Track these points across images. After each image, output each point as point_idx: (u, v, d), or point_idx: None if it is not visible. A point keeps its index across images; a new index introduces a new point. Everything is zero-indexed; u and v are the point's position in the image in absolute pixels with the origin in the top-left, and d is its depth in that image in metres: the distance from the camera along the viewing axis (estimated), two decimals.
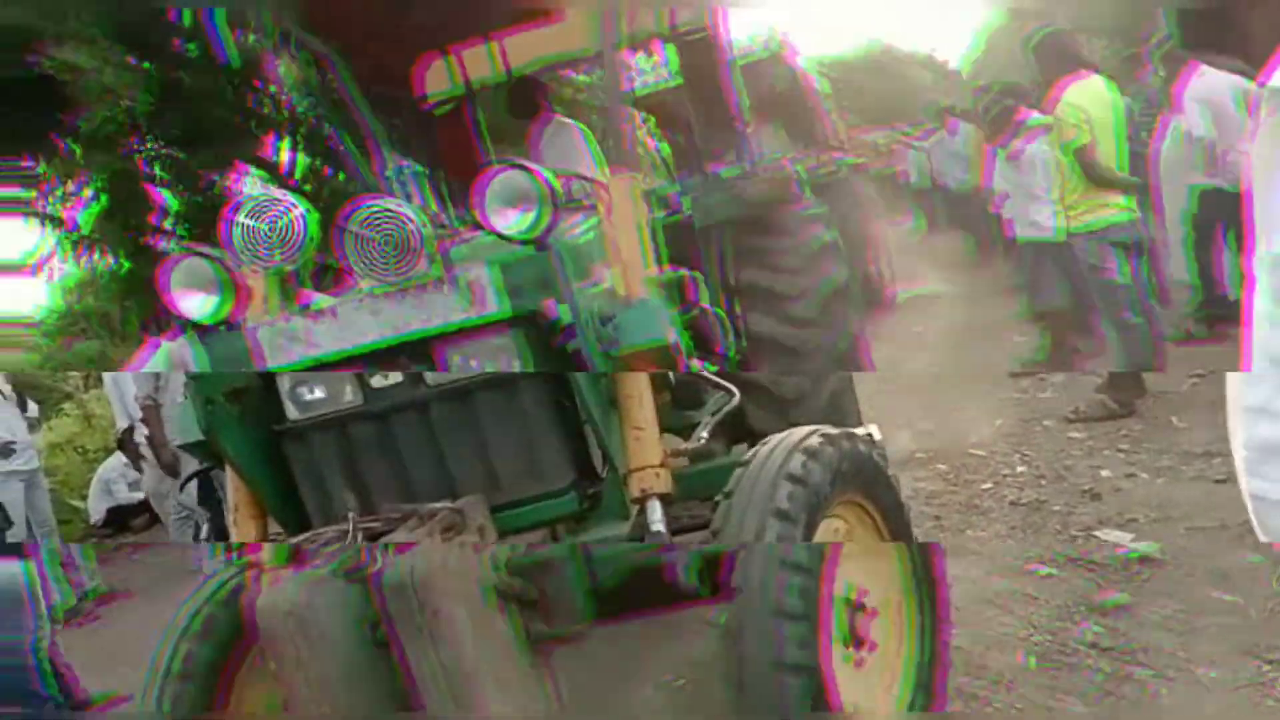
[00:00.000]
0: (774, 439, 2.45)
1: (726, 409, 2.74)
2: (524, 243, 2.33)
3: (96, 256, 10.99)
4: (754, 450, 2.43)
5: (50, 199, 10.62)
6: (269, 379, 2.46)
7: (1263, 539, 1.12)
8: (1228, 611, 3.21)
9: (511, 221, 2.31)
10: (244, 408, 2.46)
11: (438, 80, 4.76)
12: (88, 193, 10.52)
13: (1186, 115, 5.74)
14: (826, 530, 2.43)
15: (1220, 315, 6.10)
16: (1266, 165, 1.05)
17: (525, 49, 4.81)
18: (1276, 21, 1.06)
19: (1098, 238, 5.13)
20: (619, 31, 3.13)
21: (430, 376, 2.38)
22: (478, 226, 4.01)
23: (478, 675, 2.00)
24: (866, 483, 2.54)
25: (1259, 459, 1.10)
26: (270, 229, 2.39)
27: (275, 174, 8.18)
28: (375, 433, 2.43)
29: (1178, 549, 3.71)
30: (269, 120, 8.96)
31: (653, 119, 8.32)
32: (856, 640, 2.40)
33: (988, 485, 4.70)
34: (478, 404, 2.40)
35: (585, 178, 3.98)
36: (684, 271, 2.80)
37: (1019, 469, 4.83)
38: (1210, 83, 5.61)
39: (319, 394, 2.44)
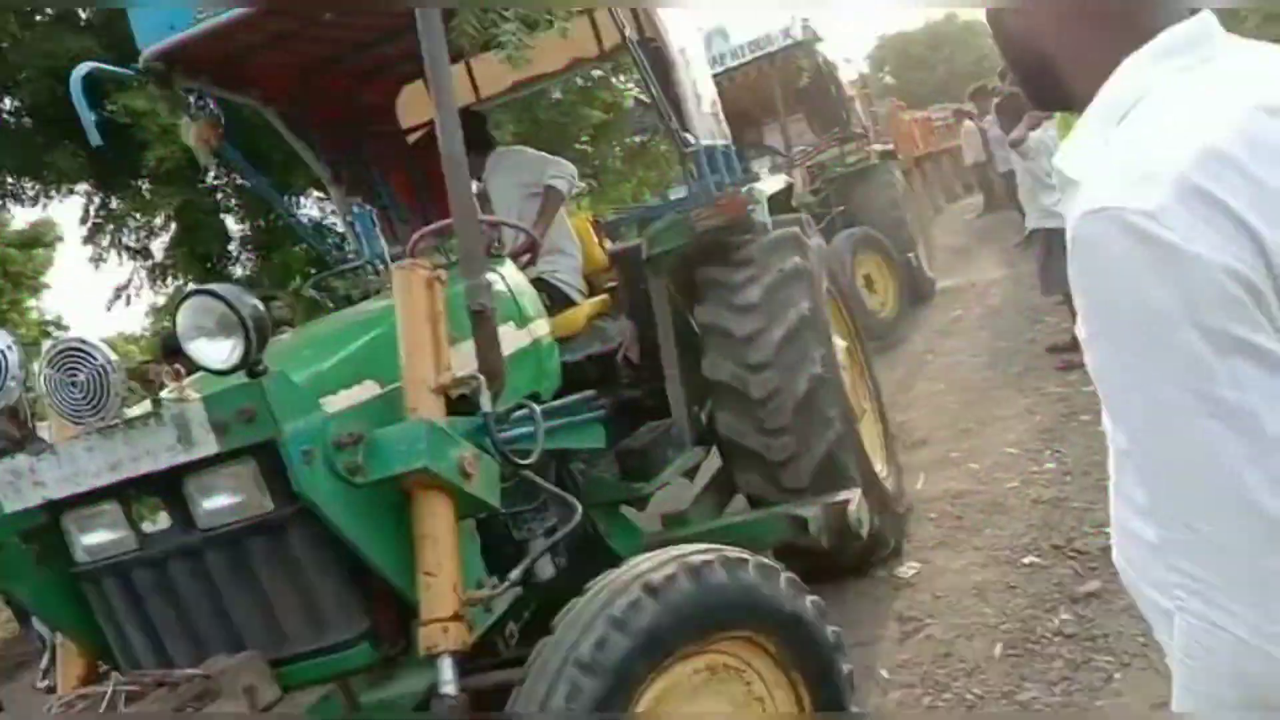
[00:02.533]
0: (631, 564, 2.26)
1: (562, 534, 2.59)
2: (228, 372, 2.11)
3: (170, 282, 11.70)
4: (599, 578, 2.25)
5: (127, 231, 11.34)
6: (57, 519, 2.30)
7: None
8: None
9: (207, 353, 2.10)
10: (39, 549, 2.31)
11: (415, 109, 4.80)
12: (158, 224, 11.23)
13: None
14: (683, 673, 2.22)
15: None
16: None
17: (492, 73, 4.82)
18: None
19: None
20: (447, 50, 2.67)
21: (200, 520, 2.19)
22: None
23: None
24: (756, 613, 2.29)
25: (1118, 534, 1.16)
26: None
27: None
28: (155, 579, 2.25)
29: None
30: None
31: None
32: None
33: (1014, 484, 4.76)
34: (249, 549, 2.19)
35: (514, 226, 3.94)
36: (474, 375, 2.46)
37: (1048, 466, 4.87)
38: None
39: (98, 537, 2.26)
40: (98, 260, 12.60)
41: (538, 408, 2.66)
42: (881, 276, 8.95)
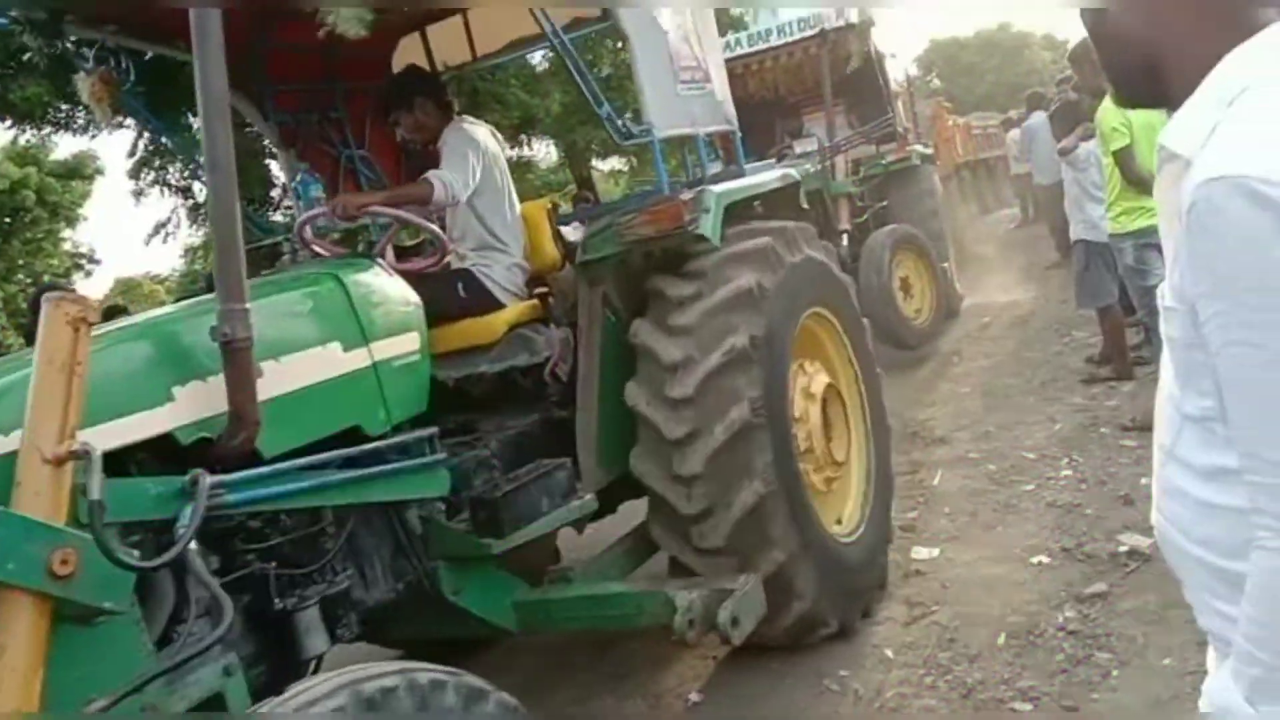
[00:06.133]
0: (296, 686, 1.78)
1: (210, 640, 2.02)
2: None
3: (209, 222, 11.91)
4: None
5: (172, 169, 11.51)
6: None
7: None
8: None
9: None
10: None
11: (407, 60, 4.37)
12: (204, 162, 11.43)
13: None
14: None
15: None
16: (1165, 220, 1.14)
17: (490, 30, 4.45)
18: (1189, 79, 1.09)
19: (1139, 240, 5.21)
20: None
21: None
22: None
23: None
24: None
25: (1162, 497, 1.20)
26: None
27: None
28: None
29: None
30: None
31: None
32: None
33: (1030, 487, 4.84)
34: None
35: (416, 223, 3.43)
36: (86, 451, 1.96)
37: (1064, 473, 4.94)
38: None
39: None
40: (139, 195, 12.81)
41: (206, 480, 2.18)
42: (919, 280, 8.68)
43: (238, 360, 2.26)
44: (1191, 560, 1.16)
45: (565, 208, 9.64)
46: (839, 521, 3.89)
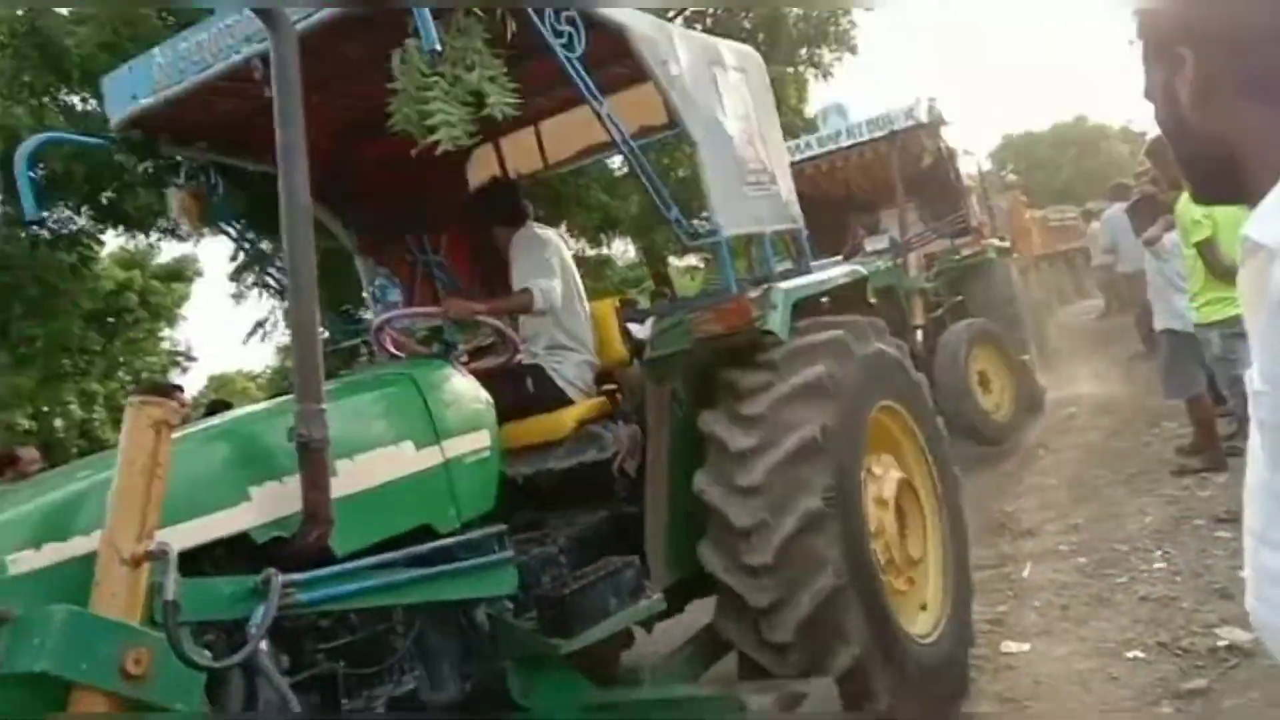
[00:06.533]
0: None
1: None
2: None
3: None
4: None
5: (272, 271, 12.06)
6: None
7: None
8: None
9: None
10: None
11: (484, 167, 4.65)
12: None
13: None
14: None
15: None
16: (1249, 310, 1.10)
17: (561, 139, 4.65)
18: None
19: (1225, 330, 5.15)
20: None
21: None
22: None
23: None
24: None
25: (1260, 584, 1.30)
26: None
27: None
28: None
29: None
30: None
31: None
32: None
33: (1122, 579, 4.75)
34: None
35: (494, 326, 3.50)
36: (164, 550, 1.99)
37: (1157, 565, 4.83)
38: None
39: None
40: (238, 297, 13.44)
41: (278, 580, 2.19)
42: (998, 375, 8.58)
43: (314, 461, 2.30)
44: None
45: (643, 302, 9.79)
46: (924, 607, 3.87)
